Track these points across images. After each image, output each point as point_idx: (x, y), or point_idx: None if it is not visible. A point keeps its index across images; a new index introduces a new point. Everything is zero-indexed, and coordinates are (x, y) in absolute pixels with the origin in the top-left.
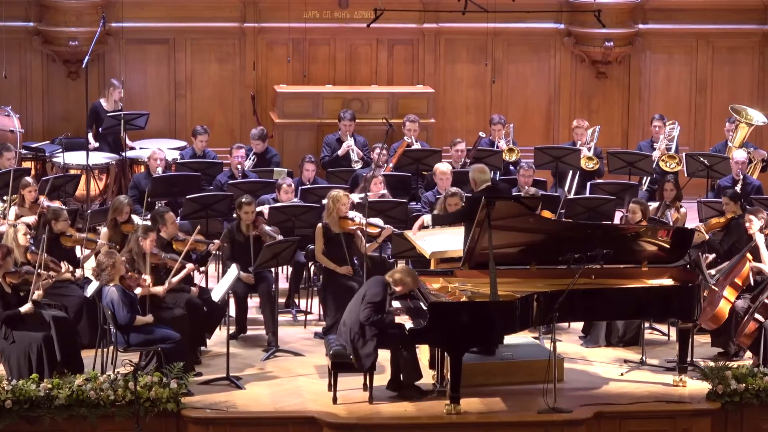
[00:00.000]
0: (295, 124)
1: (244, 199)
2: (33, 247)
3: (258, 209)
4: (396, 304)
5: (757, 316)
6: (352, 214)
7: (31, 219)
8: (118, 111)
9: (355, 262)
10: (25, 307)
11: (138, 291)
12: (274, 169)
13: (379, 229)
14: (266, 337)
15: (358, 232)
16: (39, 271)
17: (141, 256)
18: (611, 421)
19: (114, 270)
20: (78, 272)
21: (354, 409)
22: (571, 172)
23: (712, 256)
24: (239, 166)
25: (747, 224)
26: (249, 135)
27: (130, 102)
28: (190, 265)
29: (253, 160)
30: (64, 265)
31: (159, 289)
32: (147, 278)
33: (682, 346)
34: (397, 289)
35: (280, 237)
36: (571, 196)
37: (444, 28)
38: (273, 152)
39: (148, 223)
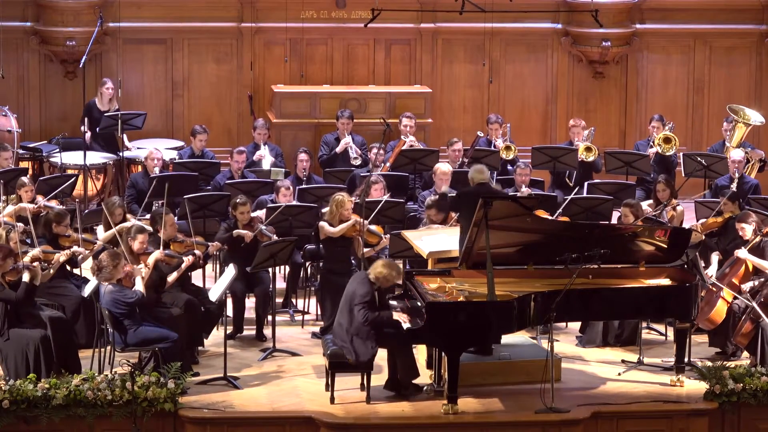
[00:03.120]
0: (292, 124)
1: (239, 200)
2: (28, 249)
3: (254, 214)
4: (393, 303)
5: (753, 316)
6: (354, 219)
7: (30, 206)
8: (115, 111)
9: (353, 262)
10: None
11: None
12: (272, 168)
13: (378, 239)
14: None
15: (358, 238)
16: (28, 264)
17: (133, 255)
18: (608, 421)
19: (115, 271)
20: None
21: (351, 408)
22: (567, 172)
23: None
24: (239, 171)
25: (740, 232)
26: (246, 135)
27: (128, 102)
28: (188, 258)
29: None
30: (63, 253)
31: (155, 255)
32: (140, 266)
33: (680, 345)
34: (381, 284)
35: (274, 237)
36: (574, 190)
37: (441, 28)
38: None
39: (141, 224)
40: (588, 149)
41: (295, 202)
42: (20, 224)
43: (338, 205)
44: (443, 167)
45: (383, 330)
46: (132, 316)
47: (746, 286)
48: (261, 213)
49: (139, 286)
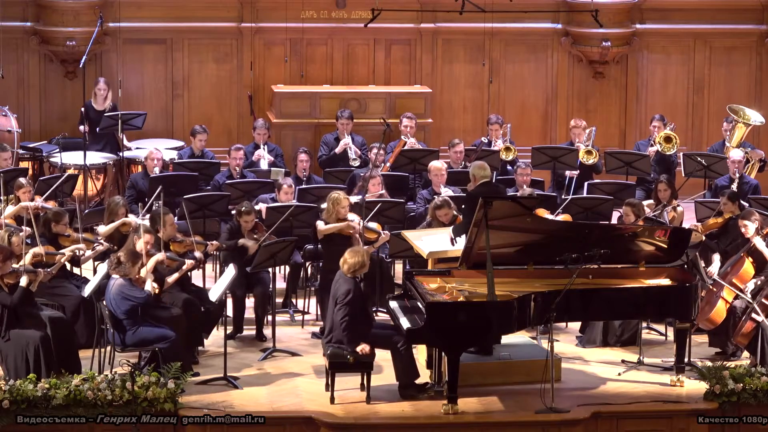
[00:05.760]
0: (292, 124)
1: (243, 208)
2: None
3: (256, 208)
4: (393, 303)
5: (754, 315)
6: (350, 216)
7: (31, 204)
8: (111, 110)
9: None
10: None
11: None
12: (272, 168)
13: (377, 235)
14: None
15: (357, 235)
16: (29, 268)
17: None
18: (608, 421)
19: (132, 269)
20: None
21: (351, 409)
22: (568, 174)
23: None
24: (237, 168)
25: (742, 229)
26: (246, 135)
27: (128, 102)
28: (189, 262)
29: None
30: (61, 254)
31: (155, 258)
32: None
33: (680, 346)
34: (359, 273)
35: None
36: (570, 196)
37: (441, 28)
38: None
39: (147, 223)
40: (588, 152)
41: (295, 202)
42: (26, 228)
43: (335, 202)
44: (437, 164)
45: (382, 331)
46: (133, 316)
47: (750, 284)
48: (262, 206)
49: (149, 287)
